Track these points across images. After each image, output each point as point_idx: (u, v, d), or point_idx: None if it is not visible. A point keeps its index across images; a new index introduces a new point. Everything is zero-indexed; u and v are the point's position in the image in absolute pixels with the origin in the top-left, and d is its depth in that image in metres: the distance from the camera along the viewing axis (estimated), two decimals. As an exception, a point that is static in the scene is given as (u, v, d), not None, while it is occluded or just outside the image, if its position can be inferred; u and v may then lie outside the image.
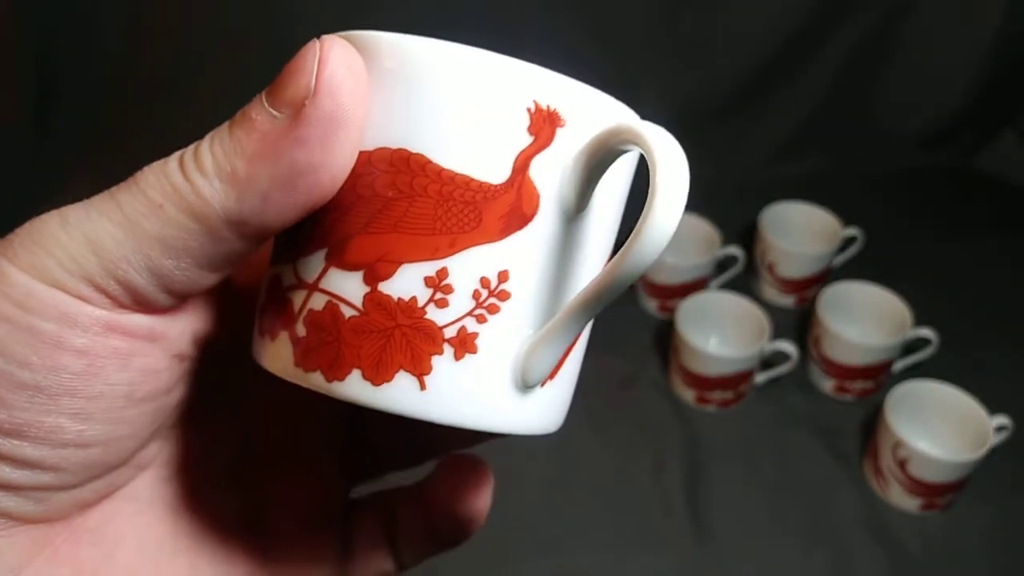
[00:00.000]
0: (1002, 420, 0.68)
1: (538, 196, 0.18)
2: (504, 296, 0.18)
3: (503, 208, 0.18)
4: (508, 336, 0.18)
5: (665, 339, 0.80)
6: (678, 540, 0.67)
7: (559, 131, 0.18)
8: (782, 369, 0.77)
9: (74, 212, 0.20)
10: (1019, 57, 1.00)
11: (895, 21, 0.98)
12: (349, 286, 0.18)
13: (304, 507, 0.26)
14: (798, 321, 0.84)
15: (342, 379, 0.18)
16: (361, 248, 0.18)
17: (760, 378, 0.77)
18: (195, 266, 0.19)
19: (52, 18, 0.86)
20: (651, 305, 0.85)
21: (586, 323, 0.18)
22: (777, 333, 0.76)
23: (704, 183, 0.94)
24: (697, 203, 0.87)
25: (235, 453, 0.25)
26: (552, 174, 0.18)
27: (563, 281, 0.19)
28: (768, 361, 0.77)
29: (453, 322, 0.18)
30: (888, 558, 0.66)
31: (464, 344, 0.18)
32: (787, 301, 0.87)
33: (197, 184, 0.19)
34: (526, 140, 0.18)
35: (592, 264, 0.19)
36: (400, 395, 0.18)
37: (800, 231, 0.87)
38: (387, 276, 0.18)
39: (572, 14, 0.93)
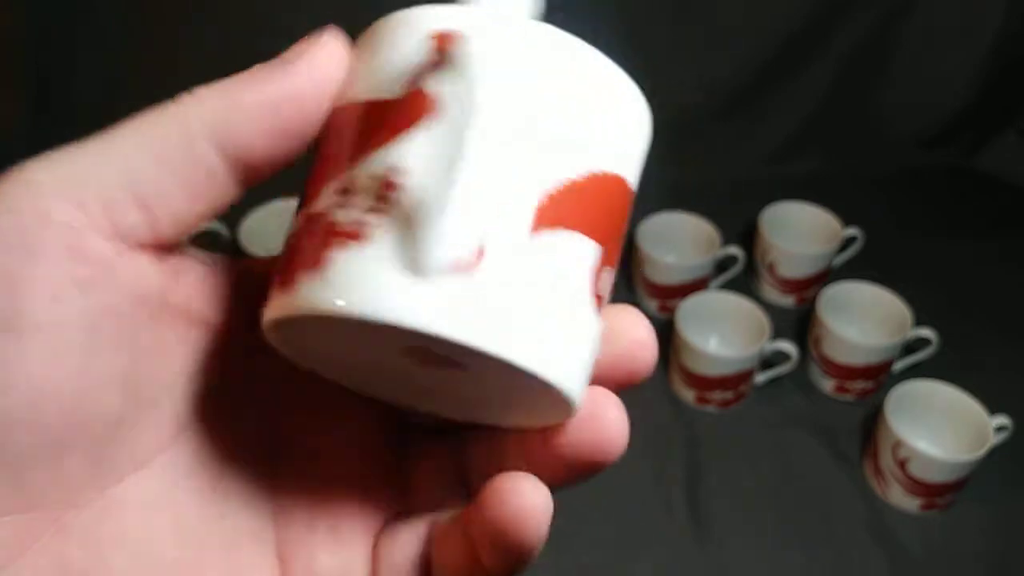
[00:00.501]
0: (1002, 420, 0.68)
1: (430, 99, 0.19)
2: (398, 188, 0.18)
3: (400, 114, 0.19)
4: (402, 224, 0.18)
5: (665, 339, 0.80)
6: (678, 540, 0.67)
7: (453, 47, 0.19)
8: (782, 369, 0.77)
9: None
10: (1019, 57, 1.00)
11: (895, 21, 0.98)
12: (296, 220, 0.20)
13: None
14: (798, 321, 0.84)
15: (282, 303, 0.19)
16: (309, 187, 0.20)
17: (760, 378, 0.77)
18: (176, 187, 0.19)
19: (52, 17, 0.86)
20: (651, 305, 0.85)
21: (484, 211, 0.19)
22: (777, 333, 0.76)
23: (704, 183, 0.95)
24: (697, 203, 0.88)
25: (263, 455, 0.23)
26: (445, 83, 0.19)
27: (458, 170, 0.19)
28: (768, 361, 0.77)
29: (353, 220, 0.19)
30: (888, 558, 0.66)
31: (358, 236, 0.18)
32: (787, 301, 0.87)
33: (182, 98, 0.20)
34: (425, 60, 0.19)
35: (485, 154, 0.19)
36: (305, 295, 0.18)
37: (800, 231, 0.87)
38: (314, 198, 0.20)
39: (569, 12, 0.93)
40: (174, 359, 0.21)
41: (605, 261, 0.20)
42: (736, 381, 0.74)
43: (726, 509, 0.69)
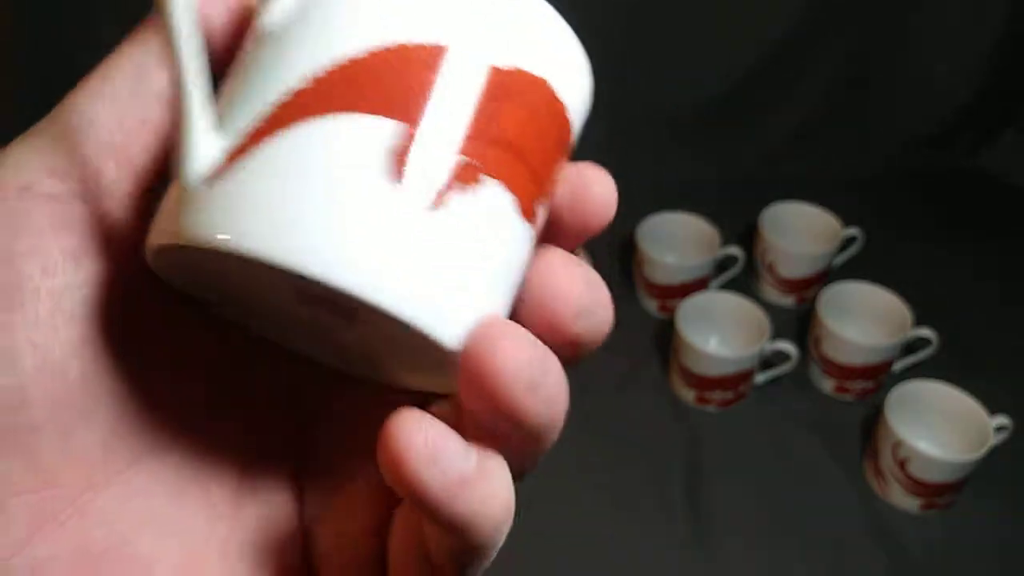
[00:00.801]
0: (1002, 420, 0.68)
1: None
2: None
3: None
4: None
5: (665, 339, 0.80)
6: (678, 540, 0.67)
7: None
8: (782, 369, 0.77)
9: None
10: (1020, 57, 1.00)
11: (896, 21, 0.98)
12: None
13: None
14: (798, 321, 0.84)
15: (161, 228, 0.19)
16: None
17: (760, 378, 0.77)
18: (139, 124, 0.19)
19: (52, 17, 0.86)
20: (651, 305, 0.85)
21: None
22: (777, 333, 0.76)
23: (704, 183, 0.95)
24: (697, 203, 0.88)
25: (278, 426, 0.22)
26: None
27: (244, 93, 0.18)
28: (768, 361, 0.77)
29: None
30: (888, 558, 0.66)
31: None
32: (787, 301, 0.87)
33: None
34: None
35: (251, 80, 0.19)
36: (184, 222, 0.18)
37: (800, 231, 0.87)
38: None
39: (569, 14, 0.93)
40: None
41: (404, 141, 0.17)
42: (736, 381, 0.74)
43: (726, 509, 0.69)
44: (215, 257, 0.17)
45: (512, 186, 0.18)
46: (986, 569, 0.66)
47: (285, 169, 0.17)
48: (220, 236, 0.16)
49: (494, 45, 0.18)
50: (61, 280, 0.18)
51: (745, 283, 0.87)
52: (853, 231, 0.87)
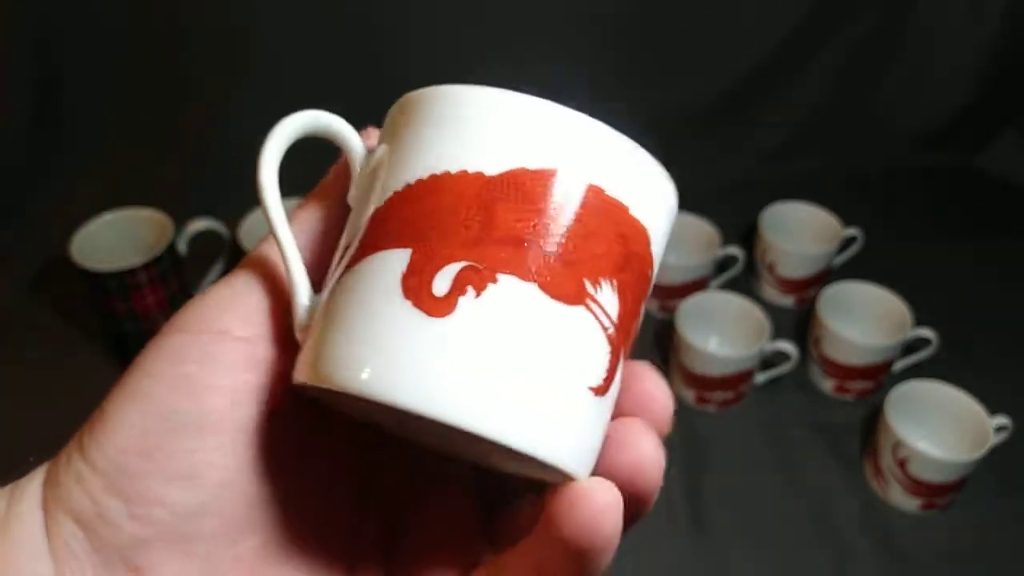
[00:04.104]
0: (1002, 420, 0.68)
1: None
2: None
3: None
4: None
5: (665, 339, 0.80)
6: (678, 540, 0.67)
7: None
8: (782, 369, 0.77)
9: None
10: (1020, 57, 1.00)
11: (896, 20, 0.98)
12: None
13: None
14: (798, 321, 0.84)
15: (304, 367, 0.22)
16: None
17: (760, 378, 0.77)
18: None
19: (52, 15, 0.86)
20: (651, 305, 0.85)
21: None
22: (777, 333, 0.76)
23: (704, 183, 0.95)
24: (697, 203, 0.88)
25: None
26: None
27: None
28: (768, 361, 0.77)
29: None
30: (888, 558, 0.66)
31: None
32: (787, 301, 0.87)
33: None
34: None
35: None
36: (326, 365, 0.21)
37: (800, 231, 0.87)
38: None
39: (570, 14, 0.93)
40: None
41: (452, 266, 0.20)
42: (736, 381, 0.74)
43: (726, 509, 0.69)
44: (320, 391, 0.21)
45: (528, 276, 0.19)
46: (986, 569, 0.66)
47: (333, 311, 0.20)
48: (301, 377, 0.21)
49: (480, 156, 0.20)
50: (243, 412, 0.22)
51: (745, 283, 0.87)
52: (853, 231, 0.87)
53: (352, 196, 0.23)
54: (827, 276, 0.85)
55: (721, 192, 0.94)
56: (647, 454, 0.22)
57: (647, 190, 0.21)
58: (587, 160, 0.20)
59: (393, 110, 0.22)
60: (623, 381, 0.22)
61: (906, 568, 0.66)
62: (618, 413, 0.23)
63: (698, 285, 0.83)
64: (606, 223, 0.20)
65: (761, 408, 0.77)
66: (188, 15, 0.87)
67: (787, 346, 0.75)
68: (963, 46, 0.99)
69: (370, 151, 0.23)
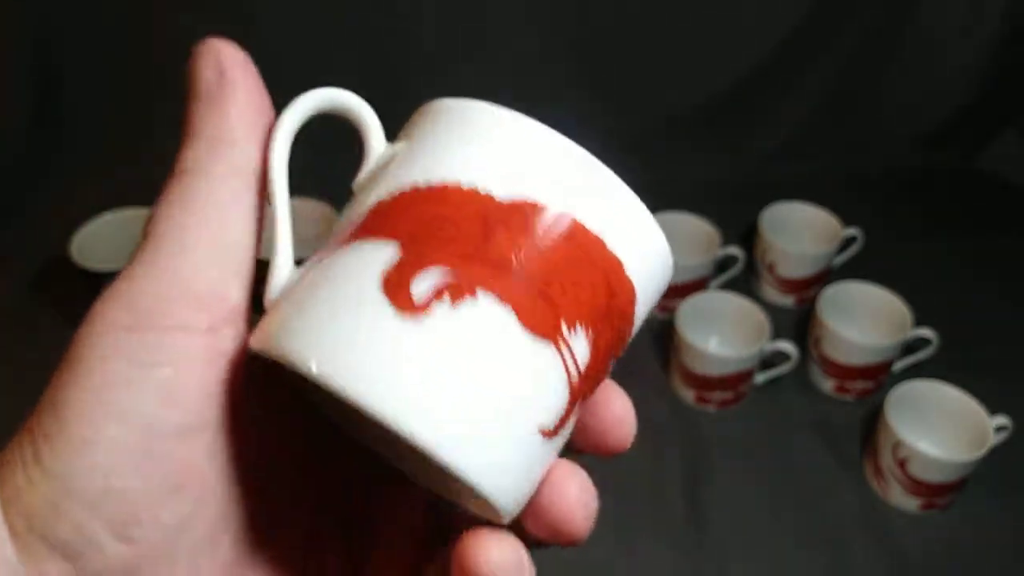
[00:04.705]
0: (1002, 420, 0.68)
1: None
2: None
3: None
4: None
5: (665, 339, 0.80)
6: (678, 540, 0.67)
7: None
8: (782, 369, 0.77)
9: None
10: (1020, 57, 1.00)
11: (896, 21, 0.98)
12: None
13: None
14: (798, 321, 0.84)
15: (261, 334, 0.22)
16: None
17: (760, 378, 0.77)
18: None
19: (52, 15, 0.86)
20: (651, 305, 0.85)
21: None
22: (777, 333, 0.76)
23: (704, 183, 0.95)
24: (697, 203, 0.88)
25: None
26: None
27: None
28: (768, 361, 0.77)
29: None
30: (888, 558, 0.66)
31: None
32: (787, 301, 0.87)
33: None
34: None
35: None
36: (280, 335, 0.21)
37: (800, 231, 0.87)
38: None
39: (571, 13, 0.93)
40: None
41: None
42: (736, 381, 0.74)
43: (726, 509, 0.69)
44: (270, 362, 0.20)
45: (507, 299, 0.19)
46: (986, 569, 0.66)
47: (306, 286, 0.20)
48: (256, 344, 0.20)
49: (496, 179, 0.20)
50: (219, 412, 0.21)
51: (745, 283, 0.87)
52: (853, 231, 0.87)
53: (359, 181, 0.22)
54: (827, 276, 0.85)
55: (721, 192, 0.94)
56: (572, 503, 0.21)
57: (646, 253, 0.22)
58: (597, 212, 0.21)
59: (422, 110, 0.23)
60: (590, 403, 0.23)
61: (906, 568, 0.66)
62: (586, 433, 0.23)
63: (698, 285, 0.83)
64: (598, 274, 0.21)
65: (761, 408, 0.77)
66: (188, 15, 0.87)
67: (787, 346, 0.75)
68: (963, 46, 0.99)
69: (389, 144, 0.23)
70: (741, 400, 0.76)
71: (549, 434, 0.20)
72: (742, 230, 0.90)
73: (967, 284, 0.89)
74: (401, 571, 0.25)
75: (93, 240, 0.74)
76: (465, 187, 0.20)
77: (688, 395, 0.76)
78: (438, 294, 0.19)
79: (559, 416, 0.20)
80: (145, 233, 0.21)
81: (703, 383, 0.74)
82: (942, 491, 0.67)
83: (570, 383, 0.20)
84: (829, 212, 0.87)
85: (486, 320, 0.19)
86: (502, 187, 0.20)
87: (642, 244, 0.22)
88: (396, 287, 0.19)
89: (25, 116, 0.89)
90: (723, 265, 0.86)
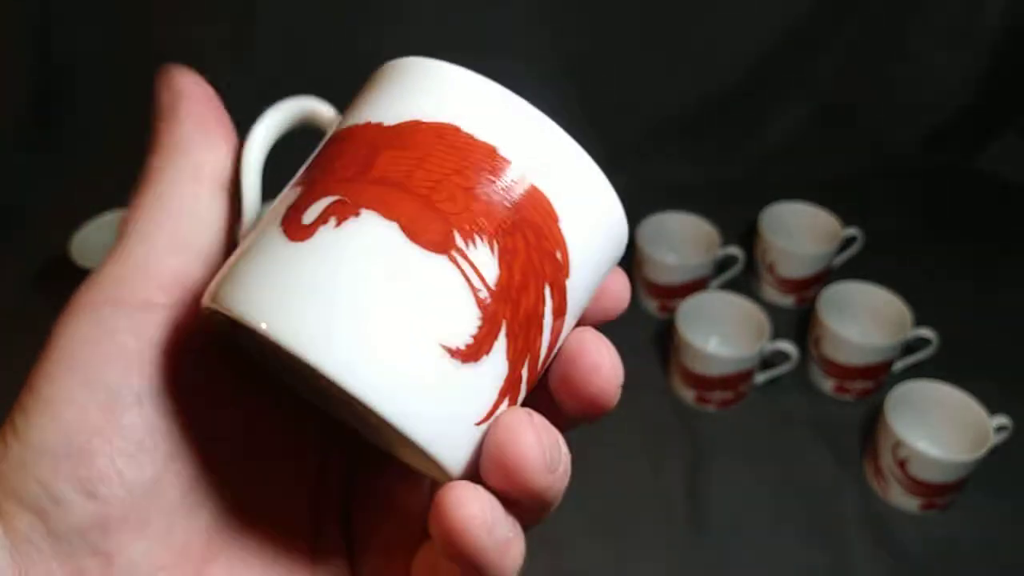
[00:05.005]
0: (1002, 420, 0.68)
1: None
2: None
3: None
4: None
5: (665, 339, 0.80)
6: (678, 540, 0.67)
7: None
8: (782, 369, 0.77)
9: None
10: (1020, 57, 1.00)
11: (896, 21, 0.98)
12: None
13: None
14: (798, 321, 0.84)
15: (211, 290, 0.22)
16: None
17: (760, 378, 0.77)
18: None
19: (52, 15, 0.86)
20: (651, 305, 0.85)
21: None
22: (777, 333, 0.76)
23: (704, 183, 0.95)
24: (697, 203, 0.88)
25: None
26: None
27: None
28: (768, 361, 0.77)
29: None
30: (888, 558, 0.66)
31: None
32: (787, 301, 0.87)
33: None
34: None
35: None
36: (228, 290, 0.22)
37: (800, 231, 0.87)
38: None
39: (571, 13, 0.93)
40: None
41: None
42: (736, 381, 0.74)
43: (726, 509, 0.69)
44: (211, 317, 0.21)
45: (392, 215, 0.19)
46: (986, 569, 0.66)
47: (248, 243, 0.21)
48: (207, 301, 0.20)
49: (385, 109, 0.21)
50: (185, 379, 0.22)
51: (745, 283, 0.87)
52: (853, 231, 0.87)
53: None
54: (827, 276, 0.85)
55: (721, 192, 0.94)
56: (526, 450, 0.20)
57: (559, 164, 0.21)
58: (488, 122, 0.20)
59: None
60: (570, 352, 0.22)
61: (906, 568, 0.66)
62: (568, 386, 0.22)
63: (698, 285, 0.83)
64: (493, 183, 0.20)
65: (761, 408, 0.77)
66: (188, 15, 0.87)
67: (787, 346, 0.75)
68: (963, 46, 0.99)
69: None
70: (741, 400, 0.76)
71: (462, 355, 0.19)
72: (742, 230, 0.90)
73: (967, 284, 0.89)
74: (402, 551, 0.24)
75: (93, 240, 0.74)
76: (361, 123, 0.21)
77: (688, 395, 0.76)
78: (324, 218, 0.19)
79: (471, 336, 0.19)
80: (118, 232, 0.23)
81: (703, 383, 0.74)
82: (942, 491, 0.67)
83: (477, 298, 0.19)
84: (829, 212, 0.87)
85: (371, 237, 0.19)
86: (389, 114, 0.21)
87: (551, 154, 0.21)
88: (290, 220, 0.20)
89: (25, 116, 0.89)
90: (723, 265, 0.86)
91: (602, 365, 0.21)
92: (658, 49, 0.96)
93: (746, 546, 0.67)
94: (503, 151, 0.20)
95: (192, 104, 0.24)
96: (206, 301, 0.20)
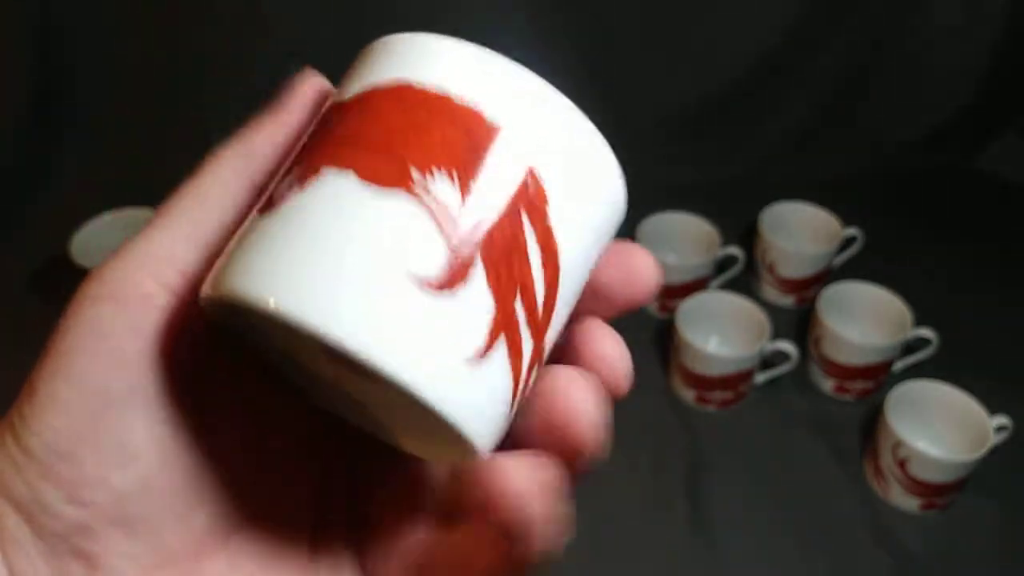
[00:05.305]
0: (1002, 420, 0.68)
1: None
2: None
3: None
4: None
5: (665, 339, 0.80)
6: (678, 540, 0.67)
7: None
8: (782, 369, 0.77)
9: None
10: (1020, 57, 1.00)
11: (896, 20, 0.98)
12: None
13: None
14: (798, 321, 0.84)
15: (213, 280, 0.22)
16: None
17: (760, 378, 0.77)
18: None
19: (52, 15, 0.86)
20: (651, 305, 0.85)
21: None
22: (777, 333, 0.76)
23: (704, 183, 0.95)
24: (697, 203, 0.88)
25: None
26: None
27: None
28: (768, 361, 0.77)
29: None
30: (888, 558, 0.66)
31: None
32: (787, 301, 0.87)
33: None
34: None
35: None
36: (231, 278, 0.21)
37: (800, 231, 0.87)
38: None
39: (571, 13, 0.93)
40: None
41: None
42: (736, 381, 0.74)
43: (726, 509, 0.69)
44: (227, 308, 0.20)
45: (347, 164, 0.19)
46: (986, 569, 0.66)
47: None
48: (205, 291, 0.20)
49: (353, 81, 0.21)
50: (176, 382, 0.21)
51: (745, 283, 0.87)
52: (853, 231, 0.87)
53: None
54: (827, 276, 0.85)
55: (721, 192, 0.94)
56: (577, 405, 0.20)
57: (517, 100, 0.21)
58: (438, 72, 0.20)
59: None
60: (575, 344, 0.22)
61: (906, 568, 0.66)
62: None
63: (698, 285, 0.83)
64: (450, 124, 0.20)
65: (761, 408, 0.77)
66: (189, 15, 0.87)
67: (787, 346, 0.75)
68: (963, 46, 0.99)
69: None
70: (741, 400, 0.76)
71: (435, 285, 0.19)
72: (742, 230, 0.90)
73: (967, 284, 0.89)
74: (411, 535, 0.24)
75: (93, 240, 0.74)
76: (335, 100, 0.21)
77: (688, 395, 0.76)
78: (288, 184, 0.20)
79: (440, 266, 0.19)
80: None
81: (703, 383, 0.74)
82: (942, 491, 0.67)
83: (441, 228, 0.19)
84: (829, 212, 0.87)
85: (329, 189, 0.19)
86: (348, 92, 0.21)
87: (509, 89, 0.21)
88: (265, 199, 0.21)
89: (25, 116, 0.89)
90: (723, 265, 0.86)
91: (608, 356, 0.22)
92: (658, 49, 0.96)
93: (746, 546, 0.67)
94: (455, 95, 0.20)
95: (291, 115, 0.24)
96: (203, 292, 0.20)
